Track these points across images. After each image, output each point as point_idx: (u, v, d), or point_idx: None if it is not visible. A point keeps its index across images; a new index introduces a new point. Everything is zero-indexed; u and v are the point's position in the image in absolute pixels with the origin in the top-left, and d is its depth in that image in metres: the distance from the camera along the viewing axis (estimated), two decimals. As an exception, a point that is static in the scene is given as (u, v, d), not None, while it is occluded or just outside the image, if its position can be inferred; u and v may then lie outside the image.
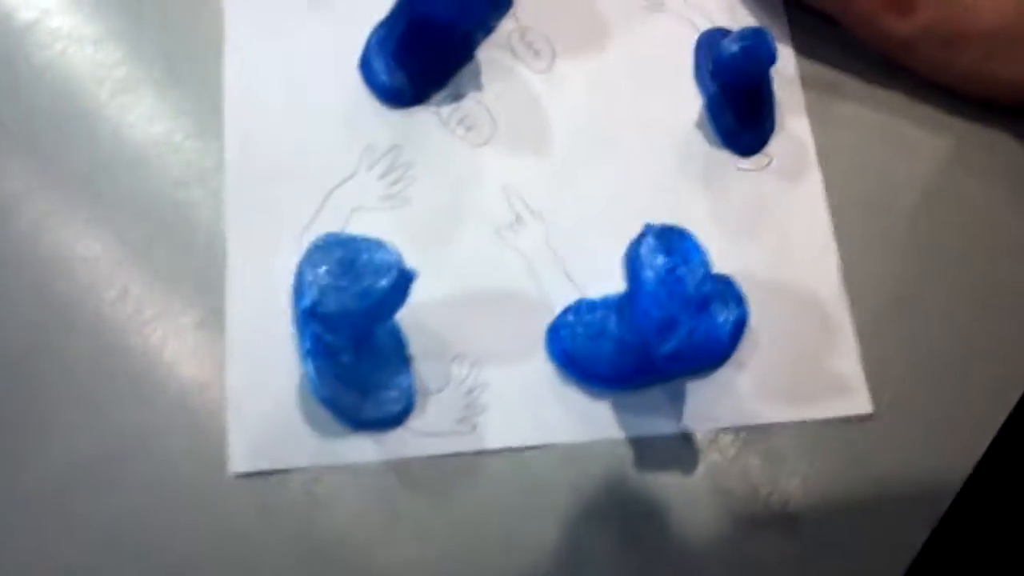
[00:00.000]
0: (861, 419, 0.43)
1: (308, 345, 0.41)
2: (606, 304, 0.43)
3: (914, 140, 0.49)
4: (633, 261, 0.39)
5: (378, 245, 0.38)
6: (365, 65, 0.47)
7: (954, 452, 0.43)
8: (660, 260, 0.37)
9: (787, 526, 0.42)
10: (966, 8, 0.46)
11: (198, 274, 0.43)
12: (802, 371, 0.44)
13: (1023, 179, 0.48)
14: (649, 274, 0.37)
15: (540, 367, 0.43)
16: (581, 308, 0.43)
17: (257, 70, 0.47)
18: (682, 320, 0.37)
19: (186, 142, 0.45)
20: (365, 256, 0.37)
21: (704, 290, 0.37)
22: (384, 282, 0.37)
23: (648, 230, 0.39)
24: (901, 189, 0.47)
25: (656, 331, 0.37)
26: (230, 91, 0.46)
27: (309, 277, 0.37)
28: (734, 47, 0.44)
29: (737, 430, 0.43)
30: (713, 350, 0.38)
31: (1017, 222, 0.47)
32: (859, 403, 0.44)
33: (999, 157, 0.48)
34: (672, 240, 0.38)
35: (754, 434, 0.43)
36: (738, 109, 0.47)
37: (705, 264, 0.38)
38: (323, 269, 0.37)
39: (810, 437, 0.43)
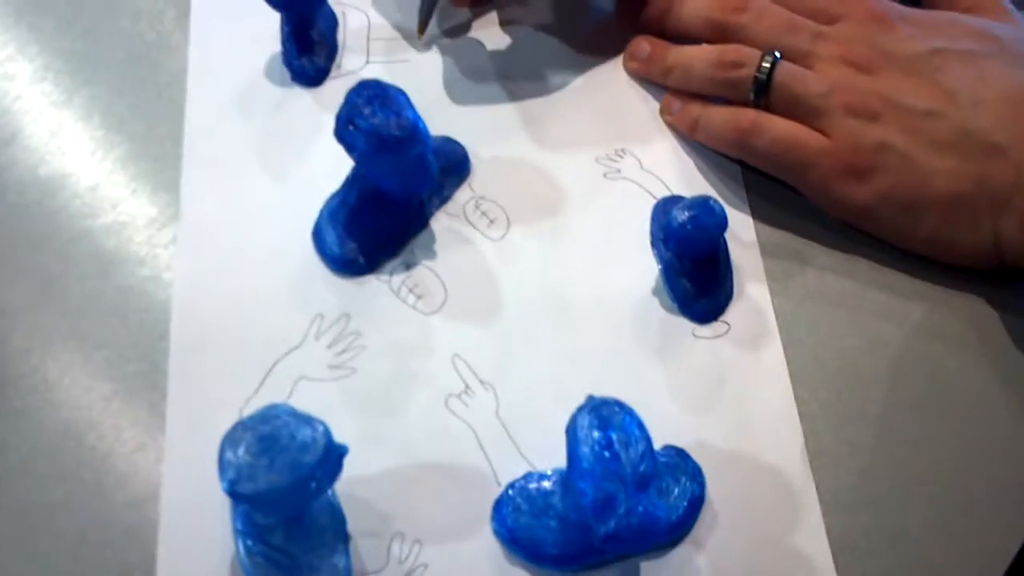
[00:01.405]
0: (828, 604, 0.41)
1: (239, 524, 0.40)
2: (553, 478, 0.41)
3: (880, 306, 0.47)
4: (571, 436, 0.37)
5: (304, 420, 0.36)
6: (317, 235, 0.47)
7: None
8: (596, 435, 0.36)
9: None
10: (922, 175, 0.46)
11: (135, 449, 0.42)
12: (764, 550, 0.41)
13: (996, 345, 0.46)
14: (584, 450, 0.36)
15: (485, 545, 0.41)
16: (526, 483, 0.41)
17: (210, 238, 0.47)
18: (619, 499, 0.35)
19: (133, 315, 0.45)
20: (288, 432, 0.36)
21: (642, 468, 0.36)
22: (308, 459, 0.36)
23: (586, 404, 0.37)
24: (867, 357, 0.46)
25: (592, 511, 0.35)
26: (180, 264, 0.46)
27: (227, 456, 0.35)
28: (682, 216, 0.44)
29: (696, 615, 0.40)
30: (655, 531, 0.36)
31: (991, 390, 0.45)
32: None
33: (971, 323, 0.47)
34: (609, 415, 0.36)
35: (714, 620, 0.40)
36: (693, 276, 0.46)
37: (645, 439, 0.36)
38: (242, 448, 0.35)
39: (774, 624, 0.40)
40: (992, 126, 0.45)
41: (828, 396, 0.45)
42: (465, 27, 0.54)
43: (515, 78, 0.52)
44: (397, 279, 0.47)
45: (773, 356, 0.45)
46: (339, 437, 0.37)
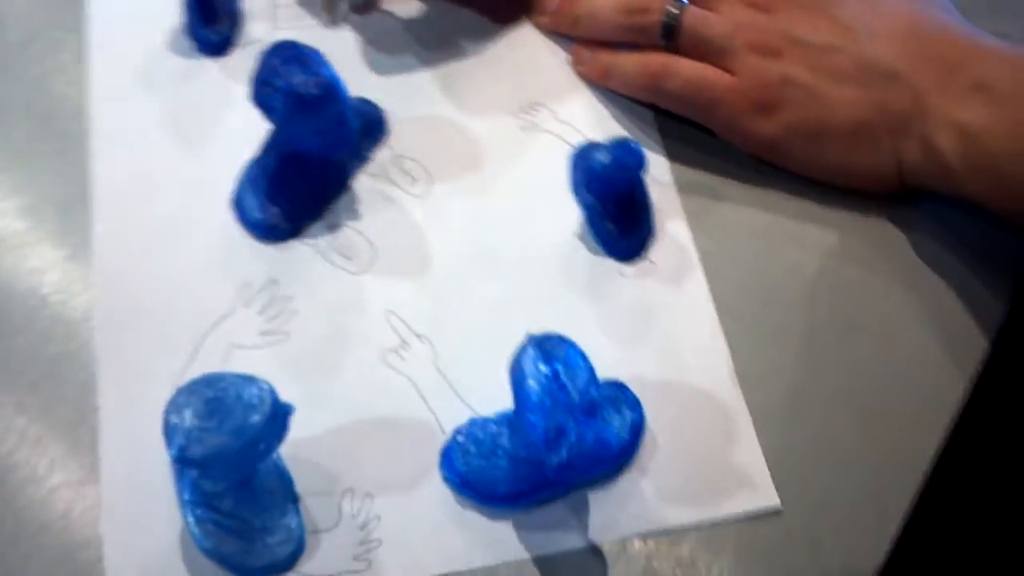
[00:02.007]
0: (770, 514, 0.42)
1: (187, 495, 0.39)
2: (497, 421, 0.42)
3: (793, 234, 0.49)
4: (516, 373, 0.38)
5: (248, 381, 0.36)
6: (237, 203, 0.47)
7: (866, 540, 0.42)
8: (542, 368, 0.37)
9: (707, 638, 0.40)
10: (825, 106, 0.48)
11: (69, 431, 0.41)
12: (705, 471, 0.43)
13: (903, 263, 0.49)
14: (532, 384, 0.37)
15: (435, 493, 0.41)
16: (472, 427, 0.42)
17: (127, 215, 0.46)
18: (569, 427, 0.36)
19: (52, 296, 0.44)
20: (233, 393, 0.36)
21: (590, 395, 0.37)
22: (256, 418, 0.36)
23: (528, 340, 0.38)
24: (785, 283, 0.48)
25: (545, 442, 0.36)
26: (99, 239, 0.45)
27: (174, 421, 0.35)
28: (604, 158, 0.45)
29: (644, 537, 0.41)
30: (605, 455, 0.37)
31: (901, 306, 0.48)
32: (765, 497, 0.42)
33: (879, 245, 0.49)
34: (553, 348, 0.37)
35: (663, 540, 0.41)
36: (616, 217, 0.47)
37: (588, 369, 0.37)
38: (188, 412, 0.35)
39: (720, 538, 0.42)
40: (888, 55, 0.47)
41: (752, 322, 0.46)
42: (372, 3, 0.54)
43: (428, 40, 0.53)
44: (323, 241, 0.47)
45: (697, 288, 0.47)
46: (280, 399, 0.37)
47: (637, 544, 0.41)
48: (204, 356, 0.43)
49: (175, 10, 0.51)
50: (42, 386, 0.42)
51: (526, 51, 0.53)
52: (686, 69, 0.49)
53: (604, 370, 0.43)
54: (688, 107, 0.50)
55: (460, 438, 0.41)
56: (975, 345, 0.46)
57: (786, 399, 0.45)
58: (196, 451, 0.35)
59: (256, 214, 0.46)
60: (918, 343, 0.47)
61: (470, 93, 0.51)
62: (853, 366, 0.46)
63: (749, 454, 0.43)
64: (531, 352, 0.37)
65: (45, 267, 0.45)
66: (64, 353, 0.43)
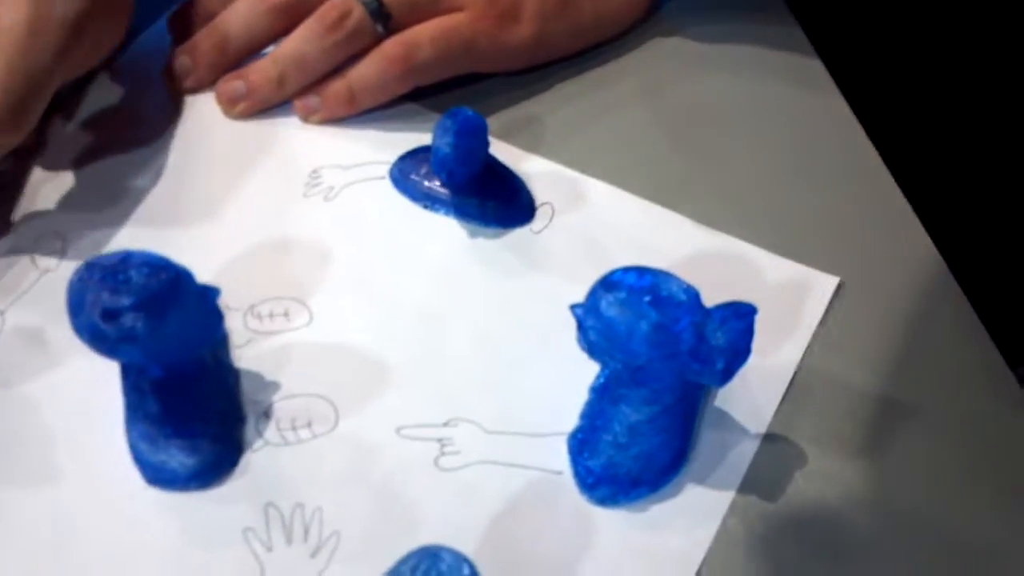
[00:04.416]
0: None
1: None
2: (597, 414, 0.36)
3: (619, 98, 0.49)
4: (614, 327, 0.32)
5: None
6: (160, 473, 0.36)
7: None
8: (646, 298, 0.32)
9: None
10: None
11: None
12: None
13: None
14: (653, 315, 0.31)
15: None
16: (583, 447, 0.36)
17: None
18: (714, 320, 0.32)
19: None
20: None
21: (692, 292, 0.32)
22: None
23: (604, 287, 0.32)
24: (635, 125, 0.47)
25: (698, 356, 0.32)
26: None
27: None
28: (448, 139, 0.40)
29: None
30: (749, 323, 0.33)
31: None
32: (826, 285, 0.41)
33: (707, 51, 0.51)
34: (628, 280, 0.32)
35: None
36: (489, 187, 0.43)
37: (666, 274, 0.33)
38: None
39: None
40: None
41: (644, 173, 0.45)
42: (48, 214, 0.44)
43: (160, 190, 0.45)
44: (273, 434, 0.38)
45: (598, 187, 0.45)
46: None
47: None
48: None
49: None
50: None
51: (260, 138, 0.46)
52: (423, 33, 0.45)
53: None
54: (447, 65, 0.46)
55: (586, 466, 0.36)
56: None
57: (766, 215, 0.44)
58: None
59: (189, 463, 0.36)
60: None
61: (253, 208, 0.44)
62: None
63: (787, 270, 0.42)
64: (621, 295, 0.32)
65: None
66: None
